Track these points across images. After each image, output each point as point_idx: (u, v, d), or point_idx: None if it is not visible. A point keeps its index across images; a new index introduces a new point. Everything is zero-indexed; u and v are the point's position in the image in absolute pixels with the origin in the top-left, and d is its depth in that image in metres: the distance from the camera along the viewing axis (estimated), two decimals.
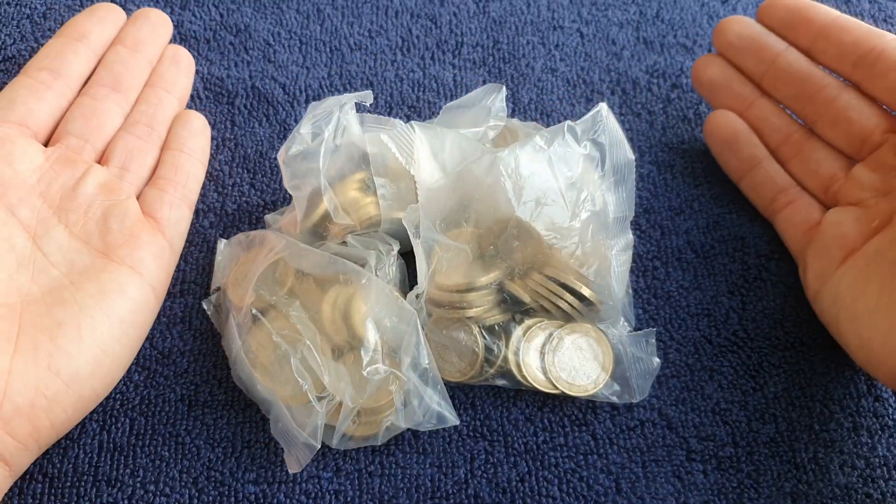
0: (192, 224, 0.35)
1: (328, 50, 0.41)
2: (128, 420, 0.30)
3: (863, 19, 0.43)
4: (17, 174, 0.31)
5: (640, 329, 0.32)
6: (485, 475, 0.29)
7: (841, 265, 0.31)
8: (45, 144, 0.34)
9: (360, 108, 0.38)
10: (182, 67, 0.38)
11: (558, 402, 0.31)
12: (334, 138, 0.31)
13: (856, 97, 0.34)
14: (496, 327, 0.30)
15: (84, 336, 0.28)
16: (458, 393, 0.31)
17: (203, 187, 0.36)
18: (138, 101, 0.36)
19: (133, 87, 0.36)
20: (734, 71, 0.37)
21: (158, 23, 0.38)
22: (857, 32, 0.33)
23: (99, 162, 0.34)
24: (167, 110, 0.36)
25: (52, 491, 0.28)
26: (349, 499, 0.28)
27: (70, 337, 0.28)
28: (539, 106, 0.39)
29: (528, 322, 0.30)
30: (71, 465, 0.29)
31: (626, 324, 0.31)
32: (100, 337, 0.29)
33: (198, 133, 0.36)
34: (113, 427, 0.30)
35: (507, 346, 0.30)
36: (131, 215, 0.32)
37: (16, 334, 0.28)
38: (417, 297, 0.30)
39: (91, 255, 0.31)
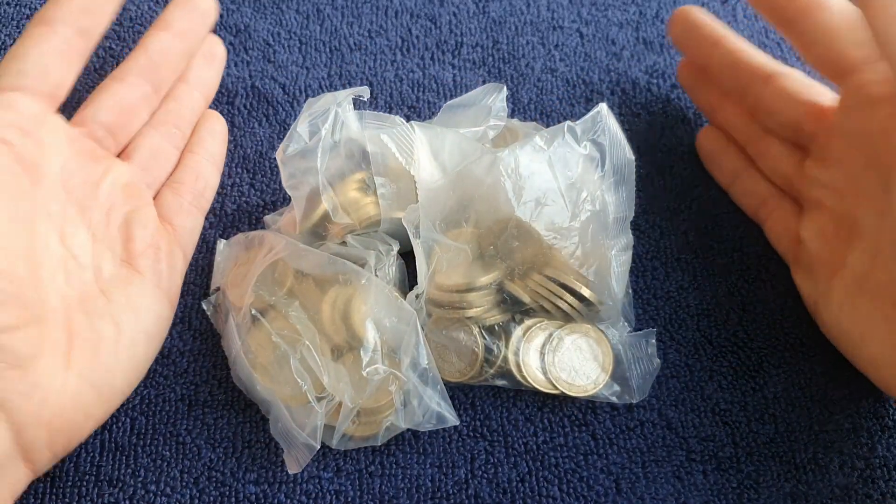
0: None
1: (328, 50, 0.41)
2: (128, 420, 0.30)
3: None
4: (47, 161, 0.29)
5: (640, 329, 0.32)
6: (485, 475, 0.29)
7: (830, 284, 0.30)
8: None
9: (358, 105, 0.38)
10: (216, 64, 0.37)
11: (558, 403, 0.31)
12: (332, 134, 0.31)
13: (779, 88, 0.33)
14: (496, 327, 0.30)
15: (121, 354, 0.28)
16: (458, 393, 0.31)
17: None
18: (169, 96, 0.35)
19: (167, 81, 0.34)
20: (700, 71, 0.37)
21: (206, 12, 0.36)
22: None
23: (118, 155, 0.33)
24: (195, 111, 0.35)
25: (54, 490, 0.28)
26: (350, 499, 0.28)
27: (111, 353, 0.28)
28: (539, 106, 0.39)
29: (527, 322, 0.30)
30: (72, 465, 0.29)
31: (625, 324, 0.31)
32: (134, 355, 0.29)
33: (219, 138, 0.36)
34: (114, 427, 0.30)
35: (506, 347, 0.30)
36: (152, 223, 0.31)
37: (67, 346, 0.27)
38: (417, 297, 0.30)
39: (115, 262, 0.30)
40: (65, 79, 0.30)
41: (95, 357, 0.27)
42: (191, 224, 0.33)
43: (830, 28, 0.30)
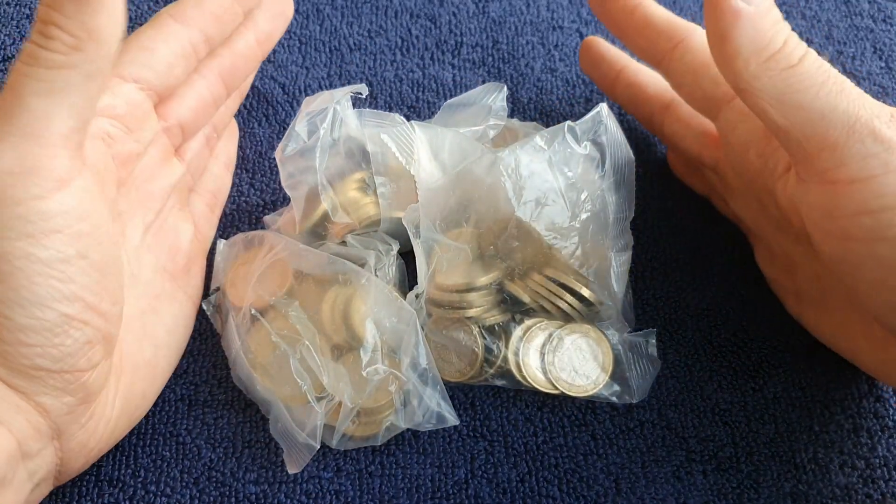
0: None
1: (328, 50, 0.41)
2: None
3: (862, 20, 0.43)
4: (135, 159, 0.27)
5: (640, 329, 0.32)
6: (485, 475, 0.29)
7: (800, 307, 0.31)
8: None
9: (357, 104, 0.38)
10: (255, 71, 0.35)
11: (558, 403, 0.31)
12: (331, 133, 0.31)
13: (675, 119, 0.33)
14: (496, 327, 0.30)
15: (155, 377, 0.28)
16: (458, 393, 0.31)
17: None
18: None
19: (236, 87, 0.33)
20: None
21: (287, 18, 0.33)
22: (658, 26, 0.30)
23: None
24: (230, 112, 0.35)
25: (54, 490, 0.28)
26: (350, 499, 0.28)
27: (146, 378, 0.28)
28: (539, 106, 0.39)
29: (527, 322, 0.30)
30: None
31: (625, 324, 0.31)
32: (163, 376, 0.29)
33: (234, 141, 0.36)
34: None
35: (506, 347, 0.30)
36: (191, 232, 0.31)
37: (118, 373, 0.26)
38: (417, 297, 0.30)
39: (159, 275, 0.29)
40: (178, 84, 0.29)
41: (135, 383, 0.27)
42: (212, 232, 0.33)
43: (695, 68, 0.29)
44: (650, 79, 0.34)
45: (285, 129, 0.38)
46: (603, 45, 0.36)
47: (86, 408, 0.24)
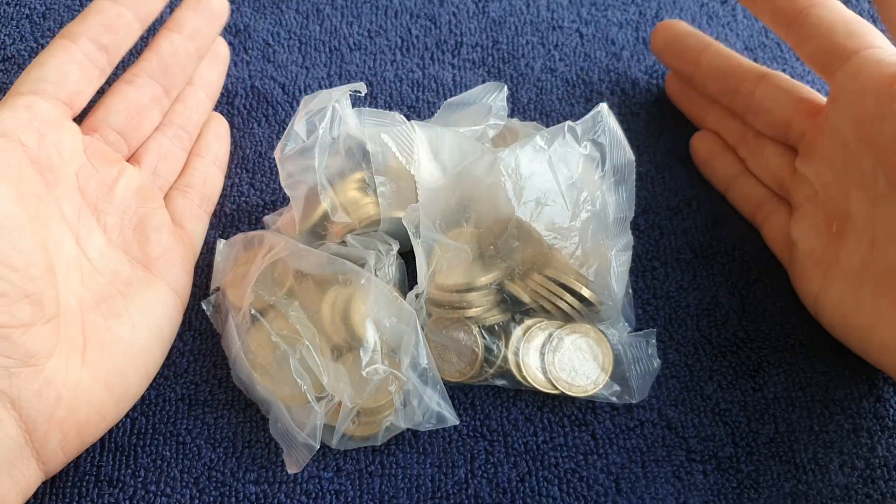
0: None
1: (327, 50, 0.41)
2: (128, 420, 0.30)
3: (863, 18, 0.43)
4: (63, 165, 0.29)
5: (640, 329, 0.32)
6: (485, 475, 0.29)
7: (826, 281, 0.31)
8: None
9: (357, 103, 0.38)
10: (220, 65, 0.37)
11: (558, 403, 0.31)
12: (330, 131, 0.31)
13: (772, 86, 0.34)
14: (496, 327, 0.30)
15: (135, 355, 0.28)
16: (458, 393, 0.31)
17: None
18: (177, 99, 0.35)
19: (177, 84, 0.34)
20: (688, 80, 0.38)
21: (218, 13, 0.36)
22: None
23: (129, 159, 0.33)
24: (202, 114, 0.35)
25: (54, 491, 0.28)
26: (350, 499, 0.28)
27: (125, 354, 0.28)
28: (539, 106, 0.39)
29: (527, 322, 0.30)
30: (73, 465, 0.29)
31: (625, 324, 0.31)
32: (147, 357, 0.29)
33: (224, 140, 0.36)
34: (114, 427, 0.30)
35: (506, 347, 0.30)
36: (166, 226, 0.31)
37: (82, 345, 0.27)
38: (417, 297, 0.30)
39: (132, 265, 0.30)
40: (83, 88, 0.31)
41: (110, 358, 0.27)
42: (199, 229, 0.33)
43: (824, 22, 0.31)
44: (737, 55, 0.36)
45: (285, 128, 0.38)
46: (683, 24, 0.38)
47: (33, 372, 0.24)
